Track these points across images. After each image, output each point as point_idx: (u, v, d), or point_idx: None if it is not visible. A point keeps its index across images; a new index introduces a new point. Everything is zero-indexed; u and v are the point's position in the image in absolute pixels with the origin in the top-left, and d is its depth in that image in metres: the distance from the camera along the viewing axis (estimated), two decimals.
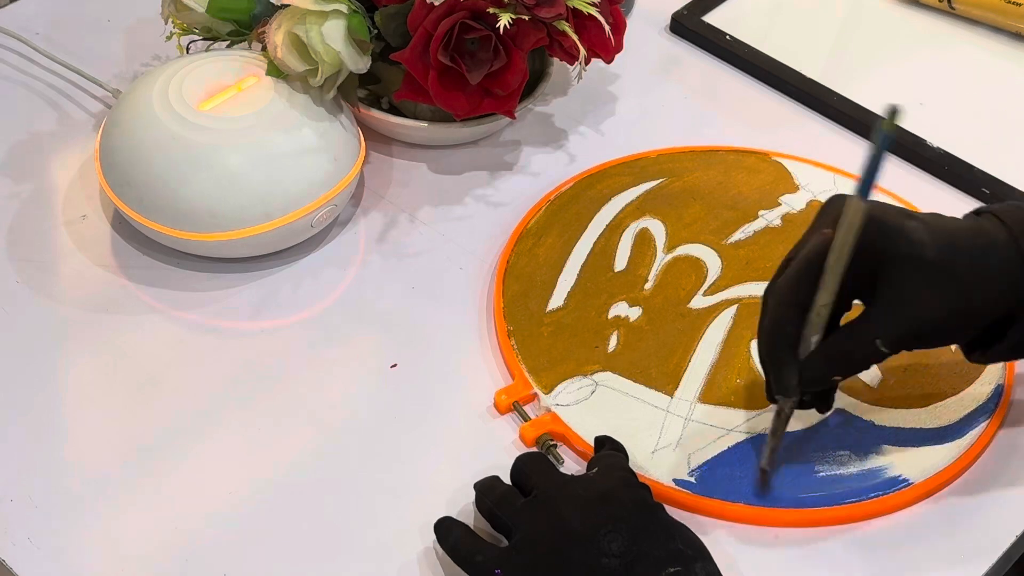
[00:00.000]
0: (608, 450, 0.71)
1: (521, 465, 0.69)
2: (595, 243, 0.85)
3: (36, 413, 0.74)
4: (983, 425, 0.75)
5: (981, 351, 0.70)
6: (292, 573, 0.68)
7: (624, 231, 0.85)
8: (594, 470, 0.68)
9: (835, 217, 0.65)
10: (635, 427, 0.74)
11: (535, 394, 0.76)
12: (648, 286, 0.82)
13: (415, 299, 0.82)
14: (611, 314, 0.80)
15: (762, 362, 0.70)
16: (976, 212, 0.69)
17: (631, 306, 0.81)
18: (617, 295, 0.81)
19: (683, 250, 0.85)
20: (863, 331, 0.66)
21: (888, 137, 0.62)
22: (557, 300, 0.81)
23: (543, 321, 0.80)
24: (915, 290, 0.65)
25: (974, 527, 0.71)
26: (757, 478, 0.71)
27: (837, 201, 0.67)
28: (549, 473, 0.68)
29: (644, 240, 0.85)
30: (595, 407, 0.75)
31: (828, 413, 0.74)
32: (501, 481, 0.69)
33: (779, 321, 0.68)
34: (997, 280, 0.66)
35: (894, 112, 0.61)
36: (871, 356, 0.67)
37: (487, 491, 0.68)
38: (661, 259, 0.84)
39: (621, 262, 0.83)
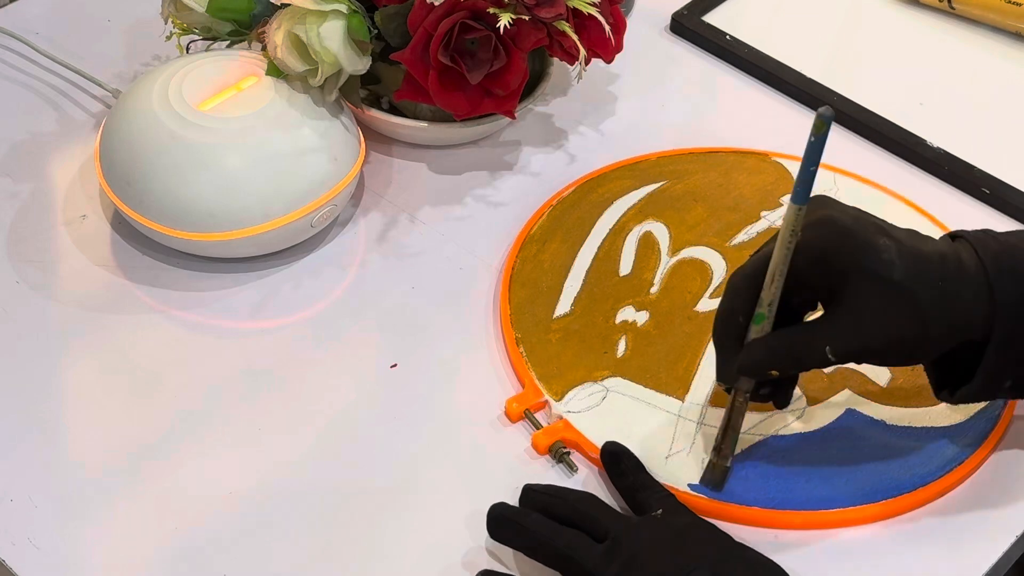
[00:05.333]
0: (627, 465, 0.70)
1: (578, 505, 0.67)
2: (599, 248, 0.84)
3: (36, 413, 0.74)
4: (994, 423, 0.75)
5: (949, 391, 0.69)
6: (291, 574, 0.68)
7: (628, 235, 0.85)
8: (659, 511, 0.67)
9: (811, 219, 0.65)
10: (647, 433, 0.74)
11: (546, 401, 0.75)
12: (654, 290, 0.82)
13: (415, 299, 0.82)
14: (618, 319, 0.80)
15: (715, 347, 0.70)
16: (952, 236, 0.69)
17: (638, 310, 0.80)
18: (623, 300, 0.81)
19: (687, 253, 0.84)
20: (815, 333, 0.66)
21: (817, 141, 0.61)
22: (564, 306, 0.81)
23: (551, 328, 0.79)
24: (874, 307, 0.65)
25: (974, 527, 0.71)
26: (708, 473, 0.71)
27: (814, 202, 0.66)
28: (615, 515, 0.67)
29: (648, 244, 0.85)
30: (607, 413, 0.75)
31: (786, 410, 0.74)
32: (551, 521, 0.67)
33: (731, 309, 0.68)
34: (960, 313, 0.65)
35: (825, 117, 0.61)
36: (817, 359, 0.66)
37: (555, 535, 0.66)
38: (666, 263, 0.84)
39: (626, 266, 0.83)
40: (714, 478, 0.71)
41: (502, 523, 0.67)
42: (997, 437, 0.75)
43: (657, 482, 0.70)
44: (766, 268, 0.66)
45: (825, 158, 0.90)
